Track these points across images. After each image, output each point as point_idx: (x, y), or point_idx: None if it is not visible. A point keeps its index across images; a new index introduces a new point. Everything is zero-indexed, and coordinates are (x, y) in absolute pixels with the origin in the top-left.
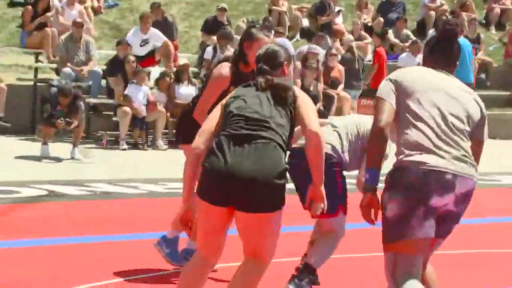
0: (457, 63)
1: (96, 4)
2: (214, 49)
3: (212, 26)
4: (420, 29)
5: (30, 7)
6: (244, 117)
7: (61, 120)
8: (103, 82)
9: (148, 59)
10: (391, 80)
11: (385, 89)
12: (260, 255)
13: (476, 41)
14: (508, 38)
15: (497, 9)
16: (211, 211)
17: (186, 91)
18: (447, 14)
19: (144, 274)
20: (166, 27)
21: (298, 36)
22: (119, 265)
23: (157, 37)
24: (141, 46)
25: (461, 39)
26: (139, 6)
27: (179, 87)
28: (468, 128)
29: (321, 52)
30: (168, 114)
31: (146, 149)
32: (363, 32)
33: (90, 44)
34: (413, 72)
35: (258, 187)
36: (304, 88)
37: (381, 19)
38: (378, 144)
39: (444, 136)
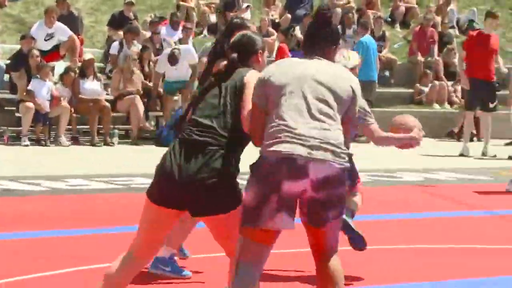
0: (334, 47)
1: None
2: (121, 44)
3: (119, 21)
4: None
5: None
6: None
7: None
8: (6, 76)
9: (52, 54)
10: (260, 80)
11: (255, 91)
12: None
13: (381, 38)
14: (412, 35)
15: (402, 7)
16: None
17: (91, 86)
18: (353, 11)
19: (42, 272)
20: (72, 21)
21: (205, 32)
22: (20, 263)
23: (62, 31)
24: (45, 40)
25: (367, 37)
26: (45, 0)
27: (84, 82)
28: (337, 113)
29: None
30: (72, 109)
31: (48, 145)
32: (270, 29)
33: None
34: (281, 65)
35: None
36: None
37: (289, 16)
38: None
39: (305, 124)
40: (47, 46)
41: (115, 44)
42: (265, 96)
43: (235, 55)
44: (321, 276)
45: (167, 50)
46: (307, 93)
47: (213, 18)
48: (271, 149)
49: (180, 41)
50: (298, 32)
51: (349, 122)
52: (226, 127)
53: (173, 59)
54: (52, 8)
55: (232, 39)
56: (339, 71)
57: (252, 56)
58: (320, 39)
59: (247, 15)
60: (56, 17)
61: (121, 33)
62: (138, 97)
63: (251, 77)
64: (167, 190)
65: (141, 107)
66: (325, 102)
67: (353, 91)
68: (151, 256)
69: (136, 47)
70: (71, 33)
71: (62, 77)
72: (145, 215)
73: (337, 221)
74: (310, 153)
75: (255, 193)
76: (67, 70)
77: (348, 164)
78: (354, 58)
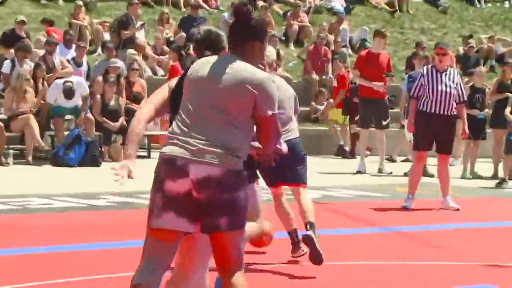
0: (256, 42)
1: None
2: (12, 62)
3: (10, 39)
4: None
5: None
6: None
7: None
8: None
9: None
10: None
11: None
12: None
13: (276, 57)
14: (306, 54)
15: (295, 26)
16: None
17: None
18: None
19: None
20: None
21: (99, 50)
22: None
23: None
24: None
25: None
26: None
27: None
28: (230, 116)
29: (122, 66)
30: None
31: None
32: (165, 47)
33: None
34: (198, 64)
35: None
36: (104, 103)
37: (183, 34)
38: None
39: (194, 127)
40: None
41: (7, 63)
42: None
43: (208, 52)
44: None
45: (59, 82)
46: (203, 96)
47: (106, 36)
48: (161, 150)
49: (74, 60)
50: (192, 51)
51: (263, 123)
52: None
53: (69, 94)
54: None
55: (199, 36)
56: (242, 70)
57: (220, 52)
58: (238, 35)
59: (141, 33)
60: None
61: (12, 51)
62: (32, 116)
63: None
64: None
65: (35, 127)
66: (221, 105)
67: (254, 90)
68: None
69: (28, 65)
70: None
71: None
72: None
73: (234, 234)
74: (193, 154)
75: (150, 193)
76: None
77: (240, 168)
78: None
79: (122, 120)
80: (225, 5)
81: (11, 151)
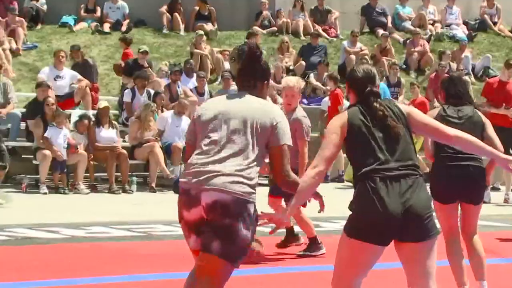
0: (266, 82)
1: (14, 45)
2: (132, 90)
3: (133, 68)
4: (342, 72)
5: None
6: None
7: None
8: (22, 125)
9: (67, 101)
10: (193, 117)
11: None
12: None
13: (397, 85)
14: (428, 82)
15: (415, 54)
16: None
17: (107, 134)
18: (367, 57)
19: None
20: (86, 69)
21: (220, 79)
22: None
23: (72, 76)
24: (55, 80)
25: (382, 84)
26: (59, 48)
27: (99, 130)
28: (248, 143)
29: None
30: (90, 157)
31: (67, 193)
32: (285, 75)
33: (8, 86)
34: (209, 102)
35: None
36: None
37: (303, 63)
38: None
39: (211, 156)
40: (61, 89)
41: (127, 92)
42: (194, 132)
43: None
44: None
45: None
46: (224, 127)
47: (227, 65)
48: (181, 180)
49: (196, 89)
50: (312, 79)
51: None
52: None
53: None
54: (59, 50)
55: (359, 75)
56: (262, 105)
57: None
58: (250, 76)
59: None
60: (64, 59)
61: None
62: (157, 144)
63: None
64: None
65: (160, 154)
66: (239, 135)
67: (273, 123)
68: None
69: (148, 94)
70: (79, 76)
71: (76, 124)
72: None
73: (222, 263)
74: (205, 183)
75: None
76: (81, 117)
77: (250, 199)
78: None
79: None
80: (345, 33)
81: (135, 179)
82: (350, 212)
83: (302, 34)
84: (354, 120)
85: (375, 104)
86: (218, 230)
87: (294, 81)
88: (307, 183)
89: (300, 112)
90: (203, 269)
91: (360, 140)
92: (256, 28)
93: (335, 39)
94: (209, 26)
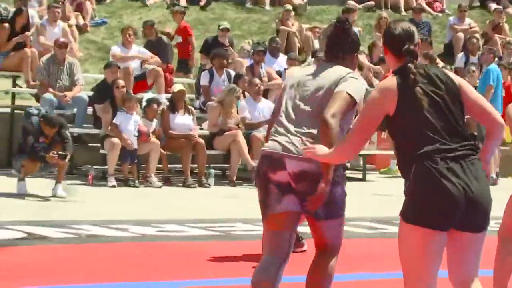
0: (355, 54)
1: (81, 21)
2: (210, 72)
3: (213, 48)
4: (448, 53)
5: (6, 24)
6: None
7: (54, 153)
8: (89, 110)
9: (138, 83)
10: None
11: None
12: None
13: None
14: None
15: None
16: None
17: (183, 120)
18: (477, 35)
19: None
20: (160, 48)
21: (309, 60)
22: None
23: (143, 55)
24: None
25: (493, 66)
26: (130, 24)
27: (174, 117)
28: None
29: None
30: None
31: (137, 186)
32: (381, 54)
33: (74, 66)
34: (296, 71)
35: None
36: None
37: None
38: None
39: (286, 124)
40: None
41: (204, 74)
42: (280, 100)
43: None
44: (315, 269)
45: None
46: (294, 96)
47: (317, 44)
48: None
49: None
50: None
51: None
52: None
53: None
54: (128, 26)
55: (392, 30)
56: (342, 71)
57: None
58: (339, 49)
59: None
60: (133, 36)
61: None
62: (240, 132)
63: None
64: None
65: (244, 144)
66: (304, 105)
67: (342, 75)
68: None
69: (227, 75)
70: (150, 54)
71: (144, 110)
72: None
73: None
74: (285, 149)
75: (258, 187)
76: (149, 102)
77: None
78: None
79: None
80: (452, 8)
81: (213, 171)
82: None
83: (403, 9)
84: (404, 89)
85: (409, 65)
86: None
87: None
88: (344, 145)
89: None
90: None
91: (413, 114)
92: (351, 2)
93: (440, 14)
94: (297, 0)
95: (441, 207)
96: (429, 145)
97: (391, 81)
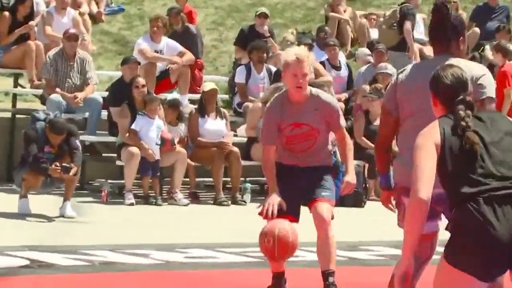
0: (461, 38)
1: (95, 9)
2: (247, 68)
3: (249, 39)
4: None
5: (7, 13)
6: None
7: (56, 166)
8: (104, 113)
9: (161, 82)
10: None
11: None
12: None
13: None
14: None
15: None
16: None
17: (214, 126)
18: None
19: None
20: (188, 39)
21: (366, 51)
22: None
23: (173, 49)
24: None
25: None
26: (152, 12)
27: (204, 121)
28: None
29: (393, 72)
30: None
31: (160, 204)
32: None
33: (86, 62)
34: (409, 70)
35: None
36: (368, 121)
37: (477, 29)
38: None
39: None
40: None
41: (240, 70)
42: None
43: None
44: None
45: None
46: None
47: (374, 34)
48: None
49: (329, 62)
50: (488, 52)
51: None
52: None
53: None
54: (158, 16)
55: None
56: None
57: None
58: (441, 36)
59: (419, 28)
60: (163, 27)
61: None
62: None
63: None
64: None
65: None
66: None
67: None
68: None
69: (267, 71)
70: (182, 49)
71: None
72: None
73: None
74: None
75: None
76: (169, 104)
77: None
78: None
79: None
80: None
81: (249, 186)
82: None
83: None
84: (447, 133)
85: (460, 112)
86: None
87: (304, 54)
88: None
89: (324, 94)
90: None
91: (456, 156)
92: None
93: None
94: None
95: (485, 254)
96: (471, 187)
97: (435, 127)
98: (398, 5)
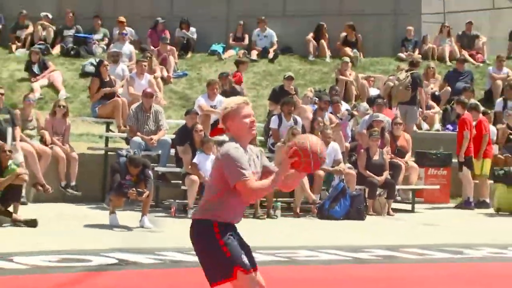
0: None
1: (165, 74)
2: (279, 117)
3: (279, 95)
4: (488, 98)
5: (96, 78)
6: None
7: (133, 190)
8: (172, 151)
9: (215, 128)
10: None
11: None
12: None
13: None
14: None
15: None
16: None
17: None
18: None
19: None
20: (234, 96)
21: (365, 105)
22: None
23: (222, 102)
24: None
25: None
26: (208, 76)
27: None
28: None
29: (385, 120)
30: None
31: None
32: (430, 101)
33: (159, 113)
34: None
35: None
36: (369, 156)
37: (449, 88)
38: None
39: None
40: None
41: (274, 118)
42: None
43: None
44: None
45: None
46: None
47: (373, 91)
48: None
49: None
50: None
51: None
52: None
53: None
54: (214, 81)
55: None
56: None
57: None
58: None
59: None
60: (218, 89)
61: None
62: None
63: None
64: None
65: (305, 180)
66: None
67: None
68: None
69: (294, 120)
70: None
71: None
72: None
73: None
74: None
75: None
76: (220, 143)
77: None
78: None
79: (386, 174)
80: (492, 59)
81: (279, 204)
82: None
83: (448, 60)
84: None
85: None
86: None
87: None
88: None
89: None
90: None
91: None
92: (401, 55)
93: (481, 64)
94: (354, 53)
95: None
96: None
97: None
98: (407, 71)
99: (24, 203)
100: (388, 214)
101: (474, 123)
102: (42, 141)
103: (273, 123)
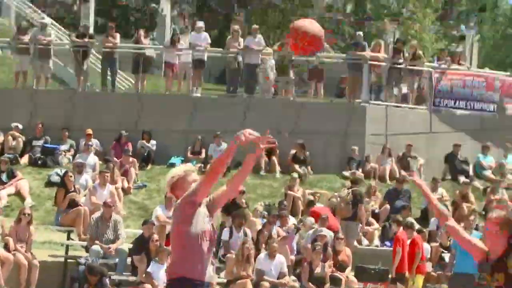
0: None
1: (126, 185)
2: (230, 229)
3: (231, 207)
4: (424, 217)
5: (62, 188)
6: None
7: None
8: (129, 259)
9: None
10: None
11: None
12: None
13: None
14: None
15: (495, 202)
16: None
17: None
18: (447, 204)
19: None
20: None
21: (311, 219)
22: None
23: None
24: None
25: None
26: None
27: None
28: None
29: (328, 235)
30: None
31: None
32: (370, 218)
33: (118, 223)
34: None
35: None
36: (311, 270)
37: (388, 206)
38: None
39: None
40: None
41: (225, 230)
42: None
43: None
44: None
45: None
46: None
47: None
48: None
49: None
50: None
51: None
52: None
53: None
54: (170, 196)
55: None
56: None
57: None
58: None
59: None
60: (174, 201)
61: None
62: (249, 281)
63: None
64: None
65: None
66: None
67: None
68: None
69: (244, 233)
70: None
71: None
72: None
73: None
74: None
75: None
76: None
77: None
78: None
79: (326, 287)
80: (428, 180)
81: None
82: None
83: (388, 179)
84: None
85: None
86: None
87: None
88: None
89: None
90: None
91: None
92: (346, 173)
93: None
94: (302, 169)
95: None
96: None
97: None
98: (349, 188)
99: None
100: None
101: (408, 241)
102: (6, 247)
103: (224, 235)
